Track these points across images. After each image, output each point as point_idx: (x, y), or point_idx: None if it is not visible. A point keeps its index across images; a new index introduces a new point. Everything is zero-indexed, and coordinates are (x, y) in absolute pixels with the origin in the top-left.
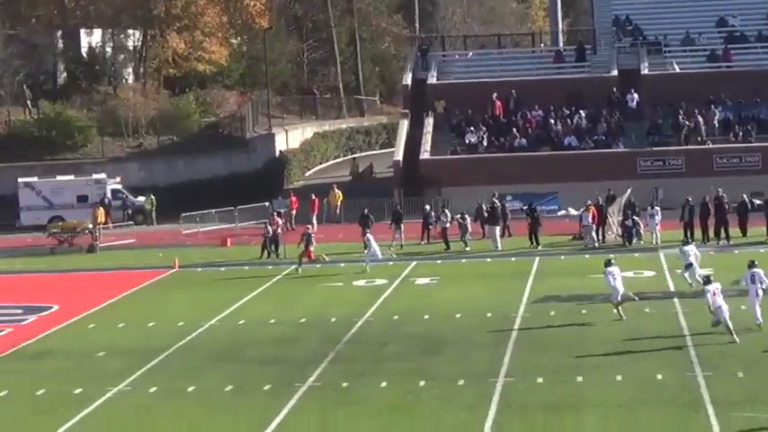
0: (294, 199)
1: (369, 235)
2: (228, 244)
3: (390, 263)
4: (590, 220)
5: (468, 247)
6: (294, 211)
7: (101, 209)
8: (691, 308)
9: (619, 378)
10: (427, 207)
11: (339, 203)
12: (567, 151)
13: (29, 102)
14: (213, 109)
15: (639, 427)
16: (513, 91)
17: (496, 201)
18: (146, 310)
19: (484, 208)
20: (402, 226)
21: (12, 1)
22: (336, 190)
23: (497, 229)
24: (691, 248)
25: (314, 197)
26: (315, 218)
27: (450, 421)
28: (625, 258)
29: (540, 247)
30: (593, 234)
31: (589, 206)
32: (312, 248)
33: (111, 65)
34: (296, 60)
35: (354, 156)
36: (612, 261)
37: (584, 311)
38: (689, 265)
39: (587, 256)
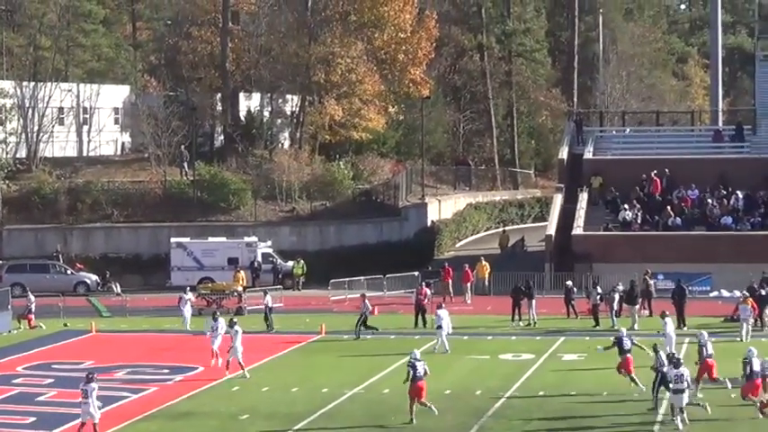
0: (449, 269)
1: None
2: (376, 312)
3: (538, 337)
4: (749, 312)
5: (615, 326)
6: (450, 281)
7: (242, 272)
8: None
9: None
10: (569, 283)
11: (487, 275)
12: (723, 232)
13: (186, 163)
14: (367, 176)
15: None
16: (667, 170)
17: (636, 280)
18: (290, 374)
19: (620, 288)
20: (534, 301)
21: (173, 63)
22: (484, 262)
23: (636, 308)
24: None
25: (467, 268)
26: (469, 288)
27: None
28: None
29: (686, 328)
30: (749, 326)
31: (747, 298)
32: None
33: (267, 129)
34: (452, 131)
35: (504, 228)
36: None
37: (733, 396)
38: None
39: (738, 339)
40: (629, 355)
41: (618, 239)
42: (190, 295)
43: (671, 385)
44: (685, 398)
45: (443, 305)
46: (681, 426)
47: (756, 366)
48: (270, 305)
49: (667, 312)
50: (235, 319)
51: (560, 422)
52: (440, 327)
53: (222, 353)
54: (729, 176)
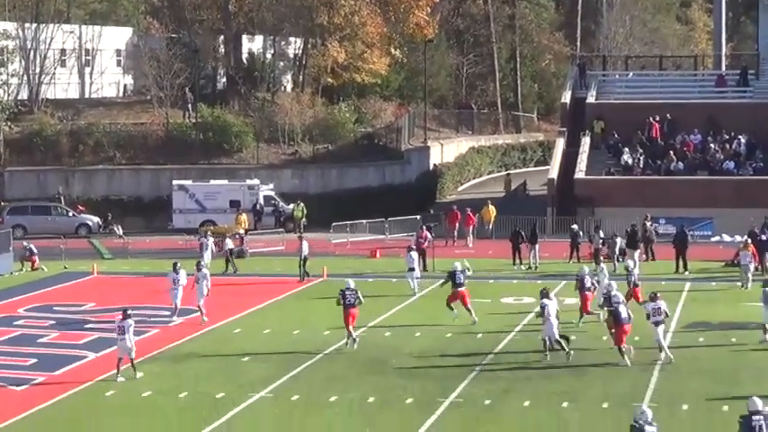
0: (457, 213)
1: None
2: (377, 255)
3: (539, 281)
4: (749, 258)
5: (617, 270)
6: (456, 225)
7: (244, 215)
8: None
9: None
10: (575, 227)
11: (492, 219)
12: (725, 176)
13: (190, 105)
14: (369, 119)
15: None
16: (668, 114)
17: (637, 224)
18: (292, 317)
19: (626, 231)
20: (537, 246)
21: (176, 4)
22: (490, 205)
23: (636, 253)
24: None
25: (469, 211)
26: (471, 232)
27: None
28: None
29: (687, 273)
30: (750, 275)
31: (748, 244)
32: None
33: (270, 71)
34: (455, 74)
35: (509, 172)
36: None
37: (733, 339)
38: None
39: (739, 283)
40: (461, 289)
41: (620, 184)
42: (210, 240)
43: (650, 318)
44: (661, 330)
45: (413, 248)
46: (671, 357)
47: (624, 313)
48: (231, 247)
49: (602, 259)
50: (202, 262)
51: (561, 366)
52: (412, 269)
53: (193, 301)
54: (733, 121)
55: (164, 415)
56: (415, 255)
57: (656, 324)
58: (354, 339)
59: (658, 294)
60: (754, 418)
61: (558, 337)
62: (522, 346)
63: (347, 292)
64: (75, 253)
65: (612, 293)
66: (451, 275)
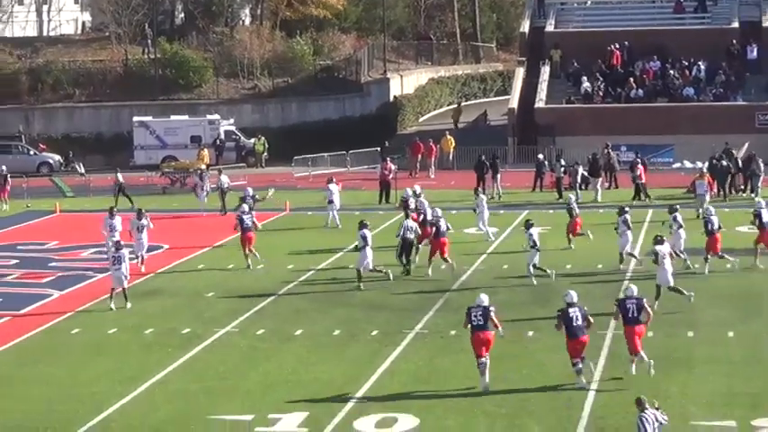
0: (419, 144)
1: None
2: (339, 187)
3: (502, 211)
4: (705, 188)
5: (579, 198)
6: (419, 156)
7: (205, 150)
8: None
9: (731, 335)
10: (540, 156)
11: (452, 150)
12: (684, 103)
13: (149, 41)
14: (328, 52)
15: (749, 385)
16: (627, 42)
17: (598, 152)
18: (255, 251)
19: (588, 159)
20: (499, 175)
21: None
22: (449, 136)
23: (599, 181)
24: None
25: (431, 142)
26: (433, 163)
27: (556, 371)
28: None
29: (648, 200)
30: (706, 204)
31: (704, 173)
32: None
33: (228, 6)
34: (413, 5)
35: (459, 102)
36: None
37: (696, 265)
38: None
39: (700, 210)
40: (249, 233)
41: (580, 112)
42: (207, 183)
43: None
44: (536, 258)
45: (334, 180)
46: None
47: (443, 227)
48: (120, 181)
49: (480, 189)
50: (143, 210)
51: (525, 294)
52: (331, 201)
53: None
54: (691, 48)
55: (130, 352)
56: (333, 187)
57: (532, 247)
58: (249, 265)
59: (532, 221)
60: (570, 310)
61: (372, 267)
62: (486, 277)
63: (245, 217)
64: (38, 191)
65: (434, 210)
66: (243, 198)
